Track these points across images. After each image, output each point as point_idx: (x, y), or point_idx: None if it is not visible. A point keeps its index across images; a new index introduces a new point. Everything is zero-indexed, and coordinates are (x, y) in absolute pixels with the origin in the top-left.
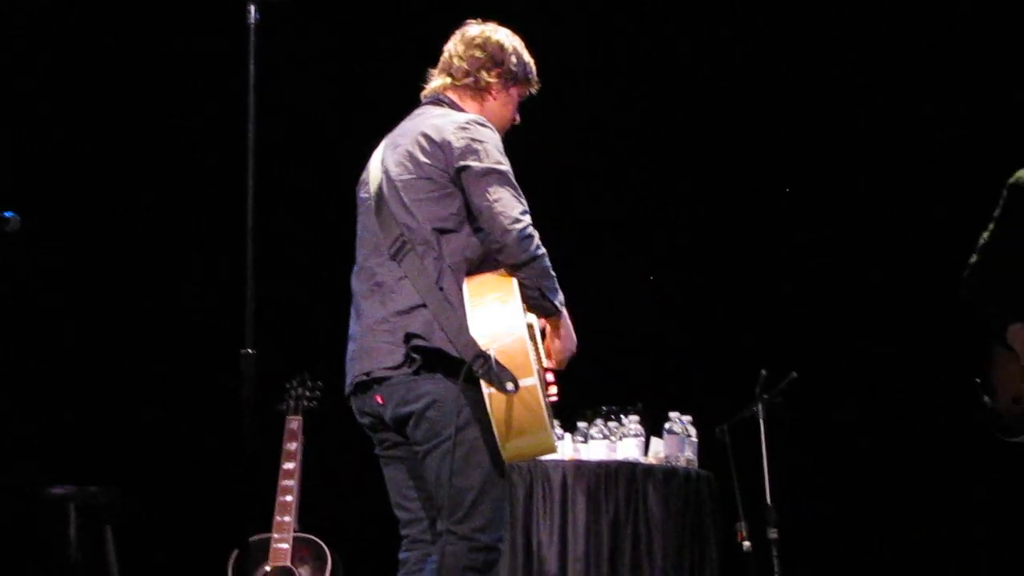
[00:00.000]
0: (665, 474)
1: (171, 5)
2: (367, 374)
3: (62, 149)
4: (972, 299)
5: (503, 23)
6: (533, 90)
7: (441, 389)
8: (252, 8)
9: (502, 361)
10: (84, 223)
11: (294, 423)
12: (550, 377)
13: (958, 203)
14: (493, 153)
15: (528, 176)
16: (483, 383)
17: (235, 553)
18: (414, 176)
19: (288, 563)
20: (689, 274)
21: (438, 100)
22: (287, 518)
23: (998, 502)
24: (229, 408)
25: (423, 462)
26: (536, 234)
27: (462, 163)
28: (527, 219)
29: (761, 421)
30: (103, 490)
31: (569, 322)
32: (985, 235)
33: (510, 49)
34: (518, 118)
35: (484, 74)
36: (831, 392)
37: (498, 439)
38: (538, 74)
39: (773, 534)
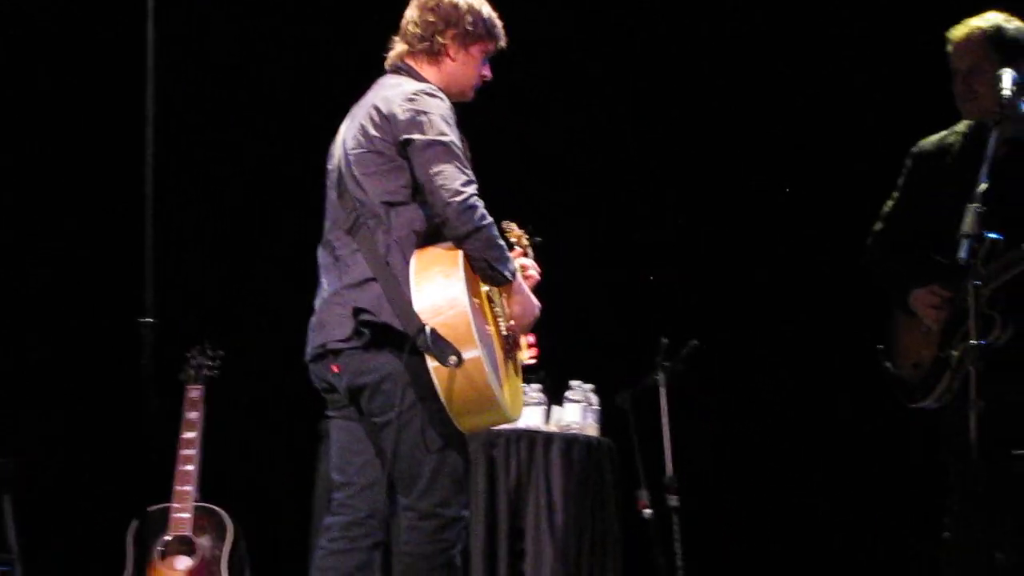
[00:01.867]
0: (566, 442)
1: None
2: (322, 346)
3: None
4: (874, 266)
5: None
6: (500, 45)
7: (393, 363)
8: None
9: (444, 334)
10: None
11: (194, 392)
12: (531, 339)
13: (861, 170)
14: (438, 124)
15: None
16: (427, 357)
17: (135, 523)
18: (364, 150)
19: (188, 533)
20: (589, 242)
21: (397, 68)
22: (188, 488)
23: (900, 467)
24: (129, 377)
25: (381, 434)
26: (480, 204)
27: (406, 136)
28: (470, 190)
29: (662, 389)
30: (1, 460)
31: (526, 288)
32: (888, 203)
33: (464, 7)
34: (488, 74)
35: (438, 37)
36: (732, 360)
37: (449, 412)
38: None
39: (673, 502)
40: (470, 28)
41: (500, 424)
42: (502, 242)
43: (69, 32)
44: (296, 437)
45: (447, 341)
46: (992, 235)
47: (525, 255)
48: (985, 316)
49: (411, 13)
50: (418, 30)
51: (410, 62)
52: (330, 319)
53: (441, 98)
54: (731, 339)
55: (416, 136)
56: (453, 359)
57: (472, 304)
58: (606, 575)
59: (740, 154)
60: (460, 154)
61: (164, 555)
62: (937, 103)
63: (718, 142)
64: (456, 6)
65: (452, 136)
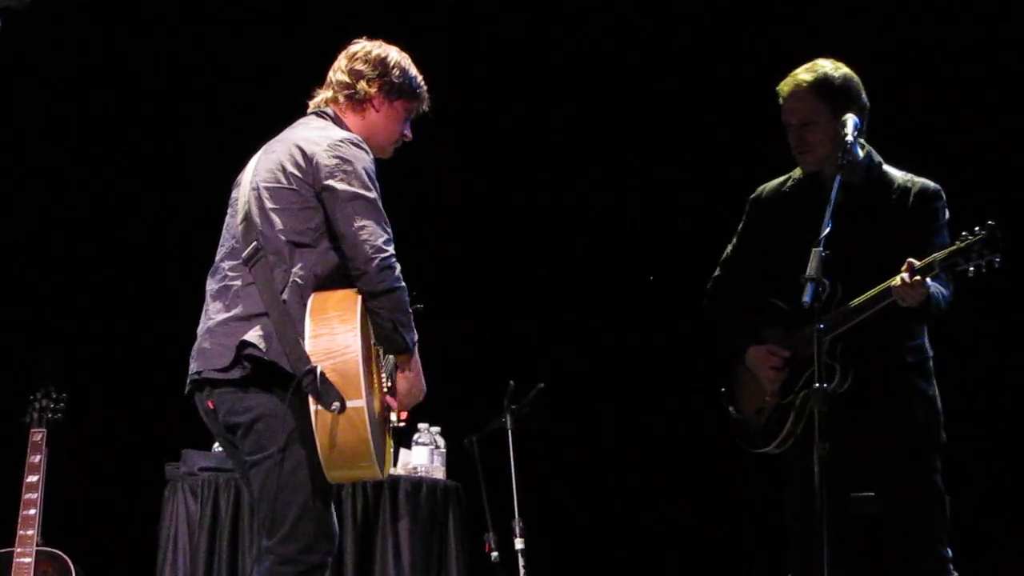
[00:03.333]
0: (413, 485)
1: None
2: (199, 373)
3: None
4: (713, 315)
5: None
6: (423, 107)
7: (270, 404)
8: None
9: (331, 379)
10: None
11: (37, 435)
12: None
13: (710, 205)
14: (362, 177)
15: None
16: (310, 399)
17: None
18: (280, 185)
19: None
20: (435, 286)
21: (321, 113)
22: (30, 532)
23: (748, 507)
24: None
25: (248, 473)
26: (397, 266)
27: (328, 182)
28: (390, 249)
29: (509, 432)
30: None
31: (419, 365)
32: (728, 248)
33: (392, 62)
34: (409, 134)
35: (364, 84)
36: (579, 402)
37: (321, 460)
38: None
39: (520, 544)
40: (397, 81)
41: (368, 479)
42: (409, 307)
43: None
44: (140, 480)
45: (333, 386)
46: (828, 281)
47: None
48: (826, 365)
49: (339, 63)
50: (345, 78)
51: (334, 109)
52: (212, 348)
53: (365, 150)
54: (578, 381)
55: (339, 186)
56: (336, 405)
57: (366, 352)
58: None
59: (584, 196)
60: (382, 211)
61: None
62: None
63: (564, 186)
64: (384, 59)
65: (375, 192)
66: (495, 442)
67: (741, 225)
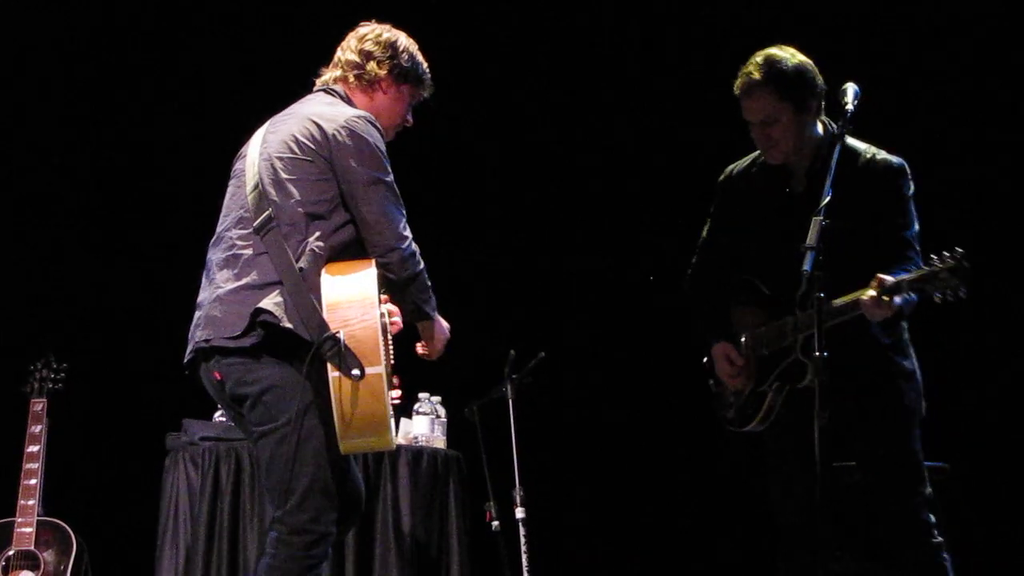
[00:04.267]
0: (414, 454)
1: None
2: (207, 341)
3: None
4: (691, 303)
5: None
6: (426, 93)
7: (282, 374)
8: None
9: (351, 346)
10: None
11: (38, 405)
12: (395, 380)
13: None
14: (379, 158)
15: None
16: (329, 366)
17: None
18: (295, 156)
19: (32, 547)
20: (437, 254)
21: (330, 90)
22: (31, 501)
23: (741, 481)
24: None
25: (257, 443)
26: (417, 249)
27: (349, 162)
28: (409, 234)
29: (510, 401)
30: None
31: (440, 320)
32: (703, 231)
33: (402, 46)
34: (410, 120)
35: (374, 65)
36: (579, 371)
37: (337, 427)
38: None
39: (521, 513)
40: (406, 65)
41: (381, 449)
42: (428, 281)
43: None
44: (141, 450)
45: (353, 352)
46: (807, 268)
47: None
48: (799, 363)
49: (348, 43)
50: (356, 58)
51: (342, 87)
52: (223, 316)
53: (379, 129)
54: (578, 351)
55: (359, 168)
56: (356, 372)
57: (383, 322)
58: None
59: (585, 171)
60: (397, 193)
61: (7, 569)
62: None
63: (566, 161)
64: (394, 43)
65: (390, 173)
66: (496, 411)
67: (713, 207)
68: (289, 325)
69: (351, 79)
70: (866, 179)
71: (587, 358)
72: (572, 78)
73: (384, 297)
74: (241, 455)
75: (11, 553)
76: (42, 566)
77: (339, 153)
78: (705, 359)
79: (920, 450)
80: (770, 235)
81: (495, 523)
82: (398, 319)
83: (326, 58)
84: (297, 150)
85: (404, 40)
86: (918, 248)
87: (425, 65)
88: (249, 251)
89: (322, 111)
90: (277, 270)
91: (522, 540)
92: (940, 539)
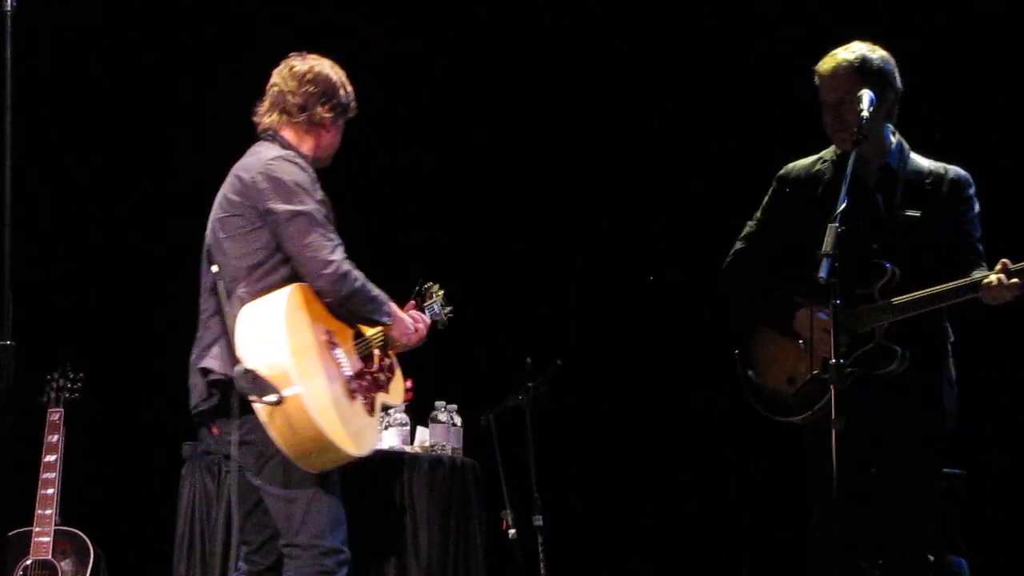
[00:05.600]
0: (430, 463)
1: None
2: (193, 408)
3: None
4: (736, 284)
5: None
6: (353, 116)
7: (255, 418)
8: None
9: (265, 374)
10: None
11: (55, 415)
12: (408, 384)
13: (723, 187)
14: (295, 192)
15: None
16: (252, 399)
17: None
18: (227, 215)
19: (49, 556)
20: (453, 262)
21: (272, 138)
22: (48, 511)
23: (767, 485)
24: None
25: (259, 484)
26: (350, 268)
27: (267, 205)
28: (338, 256)
29: (526, 409)
30: None
31: (400, 317)
32: (751, 224)
33: (336, 81)
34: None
35: (319, 109)
36: (596, 379)
37: (286, 453)
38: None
39: (538, 521)
40: (344, 101)
41: (343, 461)
42: (374, 292)
43: None
44: (157, 459)
45: (267, 380)
46: (887, 264)
47: (421, 309)
48: (885, 348)
49: (287, 83)
50: (299, 100)
51: (287, 133)
52: (193, 384)
53: (299, 165)
54: (595, 359)
55: (277, 207)
56: (272, 397)
57: (300, 343)
58: None
59: (599, 177)
60: (321, 219)
61: None
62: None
63: (579, 167)
64: (329, 79)
65: (311, 204)
66: (512, 419)
67: (767, 200)
68: (222, 374)
69: (296, 122)
70: (937, 191)
71: (603, 366)
72: (598, 80)
73: (410, 303)
74: None
75: (29, 562)
76: (60, 575)
77: (259, 199)
78: (737, 351)
79: (938, 472)
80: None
81: (512, 531)
82: (422, 326)
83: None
84: (228, 208)
85: (337, 74)
86: (982, 253)
87: (352, 91)
88: (206, 314)
89: (245, 162)
90: (221, 326)
91: (539, 547)
92: (932, 558)
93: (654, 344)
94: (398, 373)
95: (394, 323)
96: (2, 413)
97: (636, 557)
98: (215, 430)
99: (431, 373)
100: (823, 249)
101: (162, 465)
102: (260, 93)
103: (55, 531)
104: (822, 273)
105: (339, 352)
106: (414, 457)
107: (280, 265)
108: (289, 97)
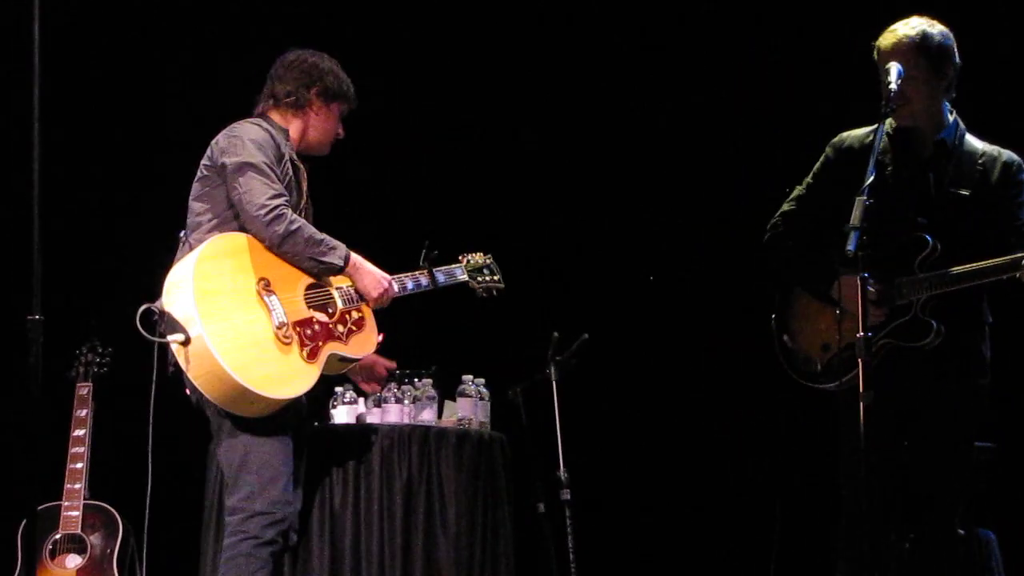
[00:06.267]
0: (458, 437)
1: None
2: (171, 369)
3: None
4: (777, 247)
5: None
6: (353, 106)
7: None
8: None
9: (176, 315)
10: None
11: (84, 390)
12: (379, 337)
13: (748, 160)
14: (248, 147)
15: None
16: (166, 338)
17: (24, 521)
18: (197, 178)
19: (79, 531)
20: (482, 237)
21: (259, 117)
22: (77, 485)
23: (793, 455)
24: (17, 375)
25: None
26: (286, 212)
27: (222, 160)
28: (274, 202)
29: (554, 383)
30: None
31: (365, 266)
32: (799, 188)
33: (325, 68)
34: (342, 132)
35: (304, 91)
36: (623, 353)
37: (209, 397)
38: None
39: (566, 495)
40: (331, 86)
41: (266, 406)
42: (320, 236)
43: None
44: (187, 434)
45: (178, 322)
46: (929, 238)
47: (431, 272)
48: (921, 321)
49: (276, 71)
50: (285, 86)
51: (275, 115)
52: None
53: (259, 126)
54: (622, 332)
55: (228, 160)
56: (179, 336)
57: (212, 287)
58: (499, 569)
59: (623, 151)
60: (268, 172)
61: (54, 553)
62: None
63: (611, 140)
64: (318, 66)
65: (261, 156)
66: (540, 393)
67: (818, 166)
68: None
69: (283, 105)
70: (990, 172)
71: (632, 339)
72: (614, 65)
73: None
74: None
75: (58, 536)
76: (89, 549)
77: (218, 156)
78: (774, 315)
79: (973, 451)
80: (887, 198)
81: (540, 505)
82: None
83: None
84: (199, 173)
85: (326, 63)
86: None
87: (348, 82)
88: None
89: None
90: None
91: (567, 522)
92: (963, 532)
93: (683, 316)
94: (367, 327)
95: (354, 272)
96: (31, 387)
97: (664, 530)
98: (187, 390)
99: (459, 346)
100: (851, 222)
101: (191, 440)
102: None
103: (84, 505)
104: (850, 246)
105: (273, 299)
106: (442, 431)
107: (234, 219)
108: (277, 84)
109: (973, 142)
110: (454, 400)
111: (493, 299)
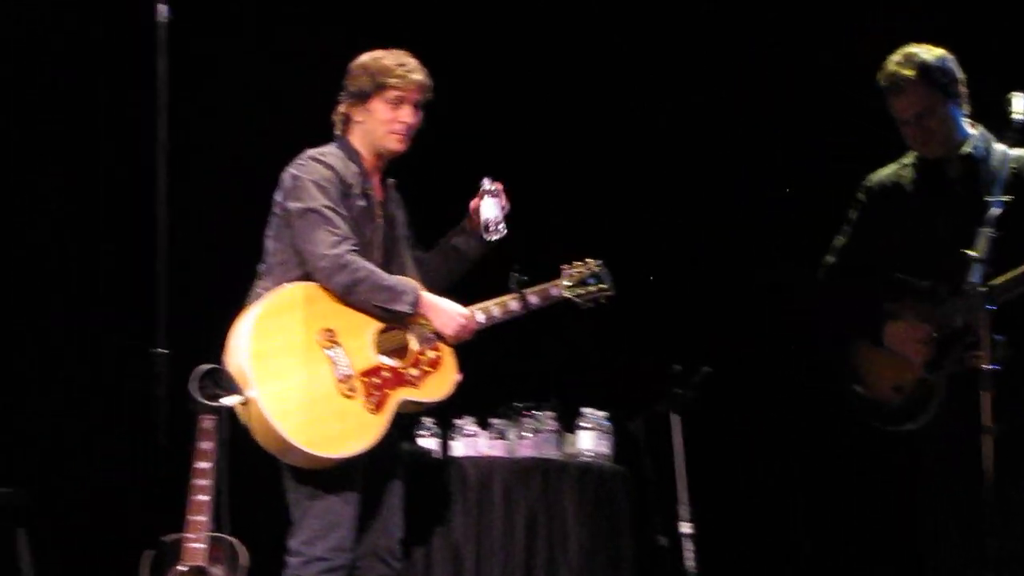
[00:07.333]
0: (579, 470)
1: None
2: None
3: None
4: (831, 298)
5: None
6: (403, 86)
7: None
8: (163, 6)
9: (233, 374)
10: None
11: (207, 421)
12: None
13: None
14: (309, 190)
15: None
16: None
17: (149, 553)
18: (272, 214)
19: (202, 563)
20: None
21: (336, 138)
22: (201, 517)
23: (909, 491)
24: (142, 407)
25: None
26: (351, 260)
27: (286, 204)
28: (336, 251)
29: (675, 416)
30: (15, 491)
31: (438, 305)
32: (840, 237)
33: (354, 70)
34: (410, 120)
35: (340, 105)
36: (744, 386)
37: (268, 449)
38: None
39: (687, 528)
40: (355, 88)
41: (323, 464)
42: (388, 282)
43: (80, 63)
44: None
45: (234, 381)
46: (974, 254)
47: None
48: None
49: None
50: (341, 96)
51: (339, 129)
52: None
53: (323, 161)
54: (744, 365)
55: (292, 205)
56: (233, 398)
57: (268, 346)
58: None
59: (748, 185)
60: (331, 215)
61: None
62: None
63: (729, 170)
64: (350, 71)
65: (323, 200)
66: (661, 426)
67: (855, 214)
68: None
69: (342, 116)
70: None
71: (754, 373)
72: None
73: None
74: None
75: (182, 569)
76: None
77: (284, 198)
78: (841, 369)
79: None
80: (927, 225)
81: (662, 538)
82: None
83: None
84: (273, 209)
85: (360, 60)
86: None
87: (389, 65)
88: None
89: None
90: None
91: (689, 555)
92: None
93: (806, 348)
94: (444, 367)
95: (427, 313)
96: (157, 420)
97: (788, 565)
98: None
99: (579, 379)
100: (976, 255)
101: None
102: None
103: (208, 537)
104: (974, 278)
105: (337, 351)
106: (563, 464)
107: (298, 265)
108: (340, 95)
109: (1003, 149)
110: (574, 433)
111: (600, 307)
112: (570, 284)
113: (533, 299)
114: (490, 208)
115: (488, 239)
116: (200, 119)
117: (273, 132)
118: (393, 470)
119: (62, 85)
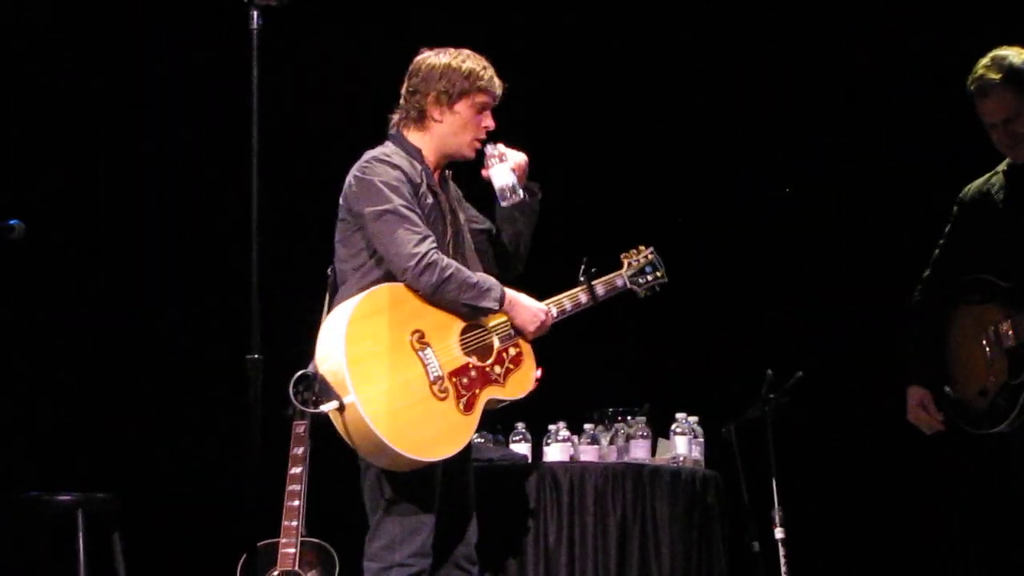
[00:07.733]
0: (672, 475)
1: (173, 10)
2: None
3: (62, 155)
4: (915, 321)
5: None
6: (491, 94)
7: None
8: (255, 13)
9: (328, 380)
10: (87, 230)
11: (300, 427)
12: (538, 373)
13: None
14: (381, 192)
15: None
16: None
17: (243, 558)
18: (338, 218)
19: (296, 567)
20: (695, 272)
21: (393, 137)
22: (294, 522)
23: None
24: (236, 413)
25: None
26: (437, 258)
27: (357, 208)
28: (421, 249)
29: (768, 421)
30: (111, 497)
31: (520, 302)
32: (936, 251)
33: (440, 68)
34: (489, 124)
35: (421, 100)
36: (838, 391)
37: (359, 452)
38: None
39: (780, 534)
40: (445, 88)
41: (417, 466)
42: (474, 279)
43: (165, 71)
44: None
45: (331, 387)
46: None
47: (590, 287)
48: None
49: (406, 80)
50: (406, 96)
51: (402, 130)
52: None
53: (389, 161)
54: (839, 370)
55: (365, 209)
56: (331, 404)
57: (362, 350)
58: None
59: (846, 189)
60: (409, 214)
61: None
62: None
63: (826, 177)
64: (433, 68)
65: (397, 201)
66: (754, 431)
67: (948, 227)
68: None
69: (408, 118)
70: None
71: (848, 377)
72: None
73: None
74: (498, 477)
75: (276, 574)
76: None
77: (353, 203)
78: (933, 373)
79: None
80: (1013, 230)
81: (755, 544)
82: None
83: None
84: (339, 212)
85: (444, 60)
86: None
87: (478, 69)
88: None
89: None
90: None
91: (782, 560)
92: None
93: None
94: (525, 364)
95: (511, 310)
96: (250, 425)
97: (881, 572)
98: None
99: (672, 384)
100: None
101: None
102: None
103: (301, 542)
104: None
105: (428, 352)
106: (655, 469)
107: (376, 266)
108: (402, 96)
109: None
110: (667, 438)
111: (656, 296)
112: (631, 274)
113: (600, 289)
114: (501, 174)
115: (507, 206)
116: (293, 127)
117: (360, 136)
118: (467, 474)
119: (156, 95)
